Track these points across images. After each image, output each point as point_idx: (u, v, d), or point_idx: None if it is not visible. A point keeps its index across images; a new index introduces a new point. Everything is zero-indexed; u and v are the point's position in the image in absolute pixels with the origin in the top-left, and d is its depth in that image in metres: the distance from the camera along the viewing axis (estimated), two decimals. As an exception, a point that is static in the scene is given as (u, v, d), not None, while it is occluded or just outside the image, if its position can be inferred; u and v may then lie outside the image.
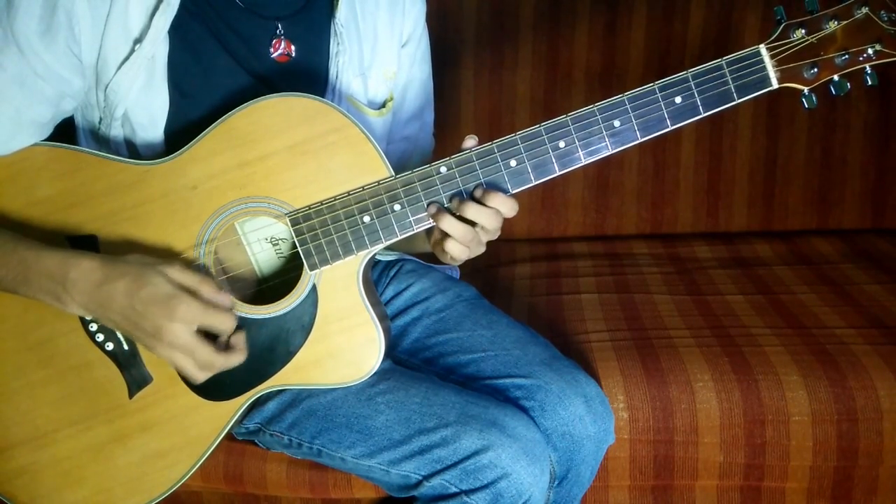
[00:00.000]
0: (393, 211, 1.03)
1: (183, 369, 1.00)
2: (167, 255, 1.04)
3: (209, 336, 1.00)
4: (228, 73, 1.09)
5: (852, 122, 1.85)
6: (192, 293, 0.97)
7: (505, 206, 1.02)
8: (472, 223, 1.02)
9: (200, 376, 1.01)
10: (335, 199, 1.03)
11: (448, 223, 1.02)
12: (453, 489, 1.04)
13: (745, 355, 1.33)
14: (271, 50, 1.11)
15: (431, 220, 1.03)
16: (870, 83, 1.00)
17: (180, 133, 1.08)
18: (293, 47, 1.12)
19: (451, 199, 1.03)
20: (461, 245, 1.03)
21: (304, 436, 1.12)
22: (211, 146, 1.04)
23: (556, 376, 1.15)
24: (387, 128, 1.25)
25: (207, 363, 0.99)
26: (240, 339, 1.03)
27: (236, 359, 1.02)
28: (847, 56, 0.98)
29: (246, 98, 1.03)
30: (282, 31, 1.12)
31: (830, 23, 0.98)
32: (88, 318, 1.05)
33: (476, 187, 1.02)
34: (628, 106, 1.00)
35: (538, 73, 1.87)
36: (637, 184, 1.89)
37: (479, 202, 1.02)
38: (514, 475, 1.02)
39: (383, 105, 1.23)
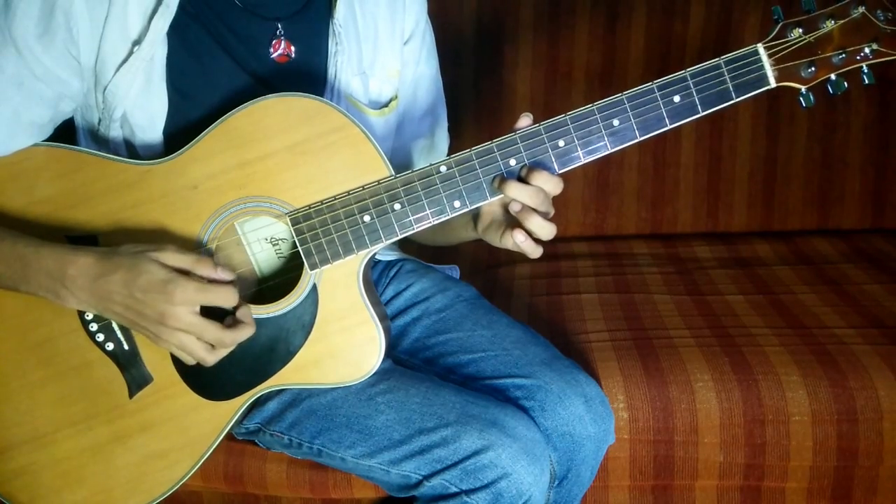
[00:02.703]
0: (393, 210, 1.03)
1: (194, 353, 1.00)
2: None
3: (216, 316, 1.00)
4: (228, 74, 1.09)
5: (852, 122, 1.85)
6: (187, 274, 0.97)
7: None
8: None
9: (211, 358, 1.01)
10: (335, 199, 1.03)
11: (515, 188, 1.01)
12: (453, 489, 1.04)
13: (745, 355, 1.33)
14: (271, 50, 1.11)
15: (499, 191, 1.02)
16: (867, 82, 1.00)
17: (179, 134, 1.07)
18: (293, 48, 1.12)
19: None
20: (540, 215, 1.02)
21: (305, 436, 1.12)
22: (211, 146, 1.04)
23: (556, 376, 1.15)
24: (388, 127, 1.25)
25: (217, 340, 0.99)
26: (246, 313, 1.03)
27: (245, 332, 1.02)
28: (844, 55, 0.99)
29: (245, 99, 1.03)
30: (282, 32, 1.11)
31: (827, 22, 0.98)
32: (91, 313, 1.05)
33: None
34: (627, 105, 1.00)
35: (538, 73, 1.87)
36: (637, 184, 1.89)
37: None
38: (514, 475, 1.02)
39: (386, 104, 1.23)
